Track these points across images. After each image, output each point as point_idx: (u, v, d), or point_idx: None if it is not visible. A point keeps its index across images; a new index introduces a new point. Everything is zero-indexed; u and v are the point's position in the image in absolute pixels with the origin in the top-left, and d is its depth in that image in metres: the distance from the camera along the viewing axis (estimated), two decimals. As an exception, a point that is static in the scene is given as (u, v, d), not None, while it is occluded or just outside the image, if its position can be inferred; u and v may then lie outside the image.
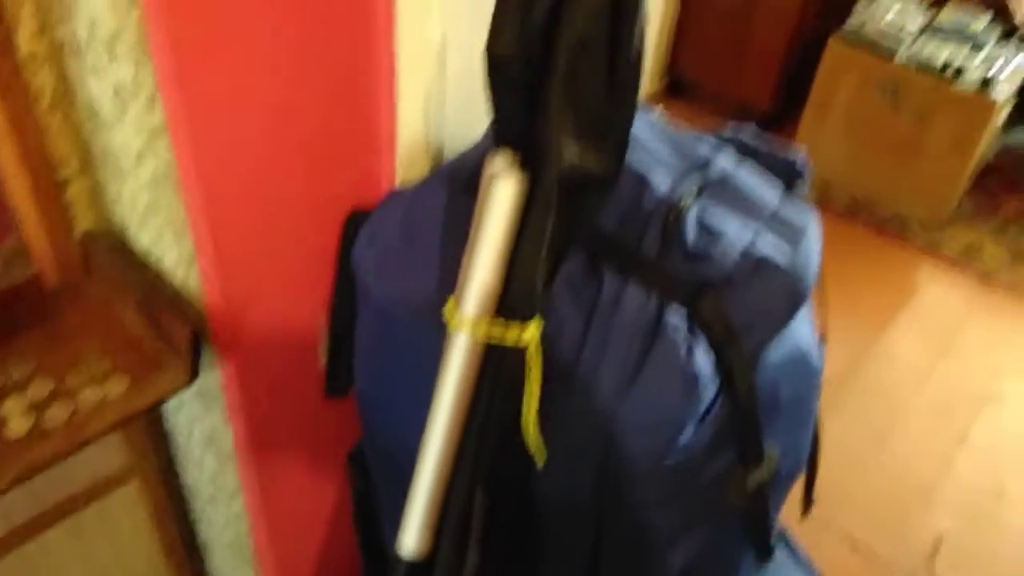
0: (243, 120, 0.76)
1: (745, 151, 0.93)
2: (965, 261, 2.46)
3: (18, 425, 0.82)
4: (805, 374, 0.89)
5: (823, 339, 0.94)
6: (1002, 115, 2.47)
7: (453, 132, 0.96)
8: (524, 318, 0.68)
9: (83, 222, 0.95)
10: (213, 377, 0.96)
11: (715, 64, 2.83)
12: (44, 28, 0.82)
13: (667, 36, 2.89)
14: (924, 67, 2.40)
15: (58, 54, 0.83)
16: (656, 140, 0.88)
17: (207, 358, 0.94)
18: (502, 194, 0.66)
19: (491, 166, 0.68)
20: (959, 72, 2.37)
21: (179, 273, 0.89)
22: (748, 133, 0.96)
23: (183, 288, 0.89)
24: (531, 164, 0.67)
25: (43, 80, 0.85)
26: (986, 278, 2.42)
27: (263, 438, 1.00)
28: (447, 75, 0.91)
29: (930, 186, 2.52)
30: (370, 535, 1.15)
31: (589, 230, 0.77)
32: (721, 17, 2.75)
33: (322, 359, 0.98)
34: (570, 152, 0.64)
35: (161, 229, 0.87)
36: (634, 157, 0.84)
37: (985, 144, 2.47)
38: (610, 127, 0.65)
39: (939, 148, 2.45)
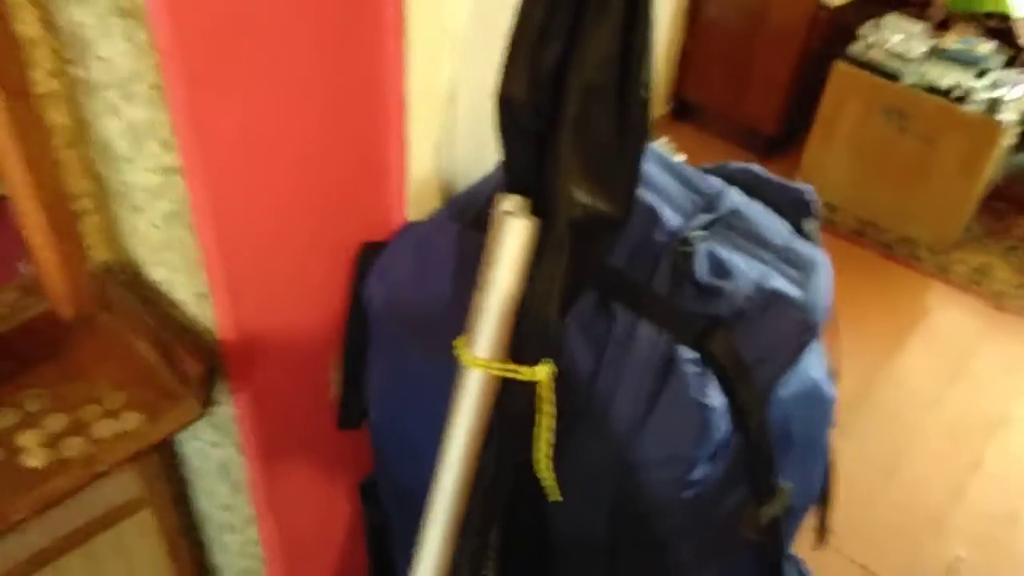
0: (256, 160, 0.77)
1: (754, 184, 0.94)
2: (975, 284, 2.46)
3: (34, 458, 0.82)
4: (817, 408, 0.89)
5: (836, 372, 0.94)
6: (1010, 137, 2.47)
7: (463, 167, 0.97)
8: (536, 359, 0.68)
9: (98, 254, 0.96)
10: (226, 408, 0.96)
11: (721, 88, 2.85)
12: (60, 68, 0.83)
13: (673, 60, 2.91)
14: (930, 90, 2.41)
15: (74, 93, 0.85)
16: (666, 175, 0.89)
17: (221, 389, 0.94)
18: (513, 235, 0.66)
19: (502, 207, 0.69)
20: (966, 95, 2.38)
21: (193, 306, 0.89)
22: (756, 166, 0.96)
23: (197, 321, 0.90)
24: (542, 205, 0.67)
25: (59, 117, 0.86)
26: (996, 301, 2.41)
27: (276, 468, 1.01)
28: (457, 112, 0.92)
29: (938, 209, 2.52)
30: (383, 565, 1.15)
31: (601, 269, 0.78)
32: (726, 41, 2.77)
33: (335, 391, 0.98)
34: (581, 195, 0.64)
35: (175, 263, 0.88)
36: (644, 193, 0.85)
37: (993, 166, 2.47)
38: (620, 169, 0.66)
39: (946, 170, 2.45)
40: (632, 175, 0.67)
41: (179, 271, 0.88)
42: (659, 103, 2.98)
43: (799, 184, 0.94)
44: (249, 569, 1.20)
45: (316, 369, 0.97)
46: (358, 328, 0.91)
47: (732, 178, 0.94)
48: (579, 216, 0.65)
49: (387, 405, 0.92)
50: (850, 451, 1.96)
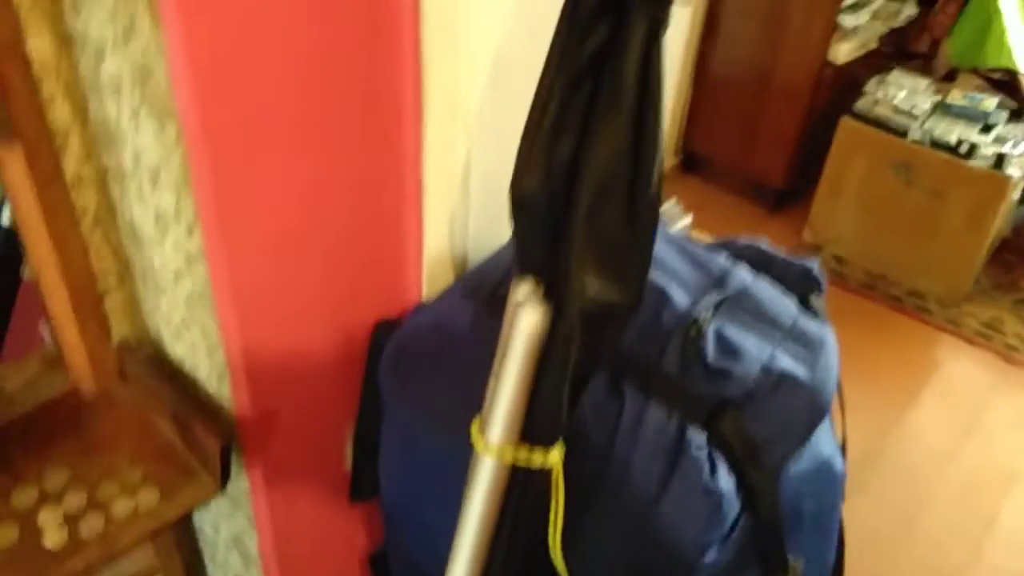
0: (277, 245, 0.79)
1: (760, 259, 0.96)
2: (986, 337, 2.45)
3: (53, 538, 0.83)
4: (828, 484, 0.89)
5: (844, 446, 0.94)
6: (1017, 191, 2.49)
7: (476, 242, 0.99)
8: (548, 444, 0.69)
9: (120, 329, 0.98)
10: (241, 482, 0.97)
11: (728, 141, 2.88)
12: (91, 154, 0.86)
13: (681, 113, 2.95)
14: (937, 145, 2.44)
15: (103, 178, 0.88)
16: (675, 255, 0.91)
17: (236, 463, 0.95)
18: (526, 325, 0.68)
19: (516, 294, 0.70)
20: (972, 149, 2.41)
21: (212, 384, 0.91)
22: (763, 241, 0.98)
23: (215, 398, 0.92)
24: (554, 293, 0.69)
25: (87, 200, 0.89)
26: (1008, 354, 2.40)
27: (288, 542, 1.01)
28: (471, 193, 0.94)
29: (947, 262, 2.52)
30: (392, 637, 1.15)
31: (613, 353, 0.79)
32: (734, 96, 2.81)
33: (349, 464, 0.99)
34: (592, 287, 0.66)
35: (195, 342, 0.90)
36: (653, 273, 0.86)
37: (1000, 220, 2.49)
38: (632, 260, 0.67)
39: (954, 224, 2.47)
40: (643, 266, 0.68)
41: (199, 349, 0.90)
42: (668, 156, 3.02)
43: (805, 259, 0.96)
44: (260, 639, 1.20)
45: (330, 444, 0.99)
46: (372, 405, 0.93)
47: (739, 254, 0.96)
48: (590, 307, 0.67)
49: (400, 482, 0.93)
50: (867, 508, 1.94)
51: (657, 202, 0.67)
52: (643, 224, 0.67)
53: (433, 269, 0.96)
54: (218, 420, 0.91)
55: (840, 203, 2.65)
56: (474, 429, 0.72)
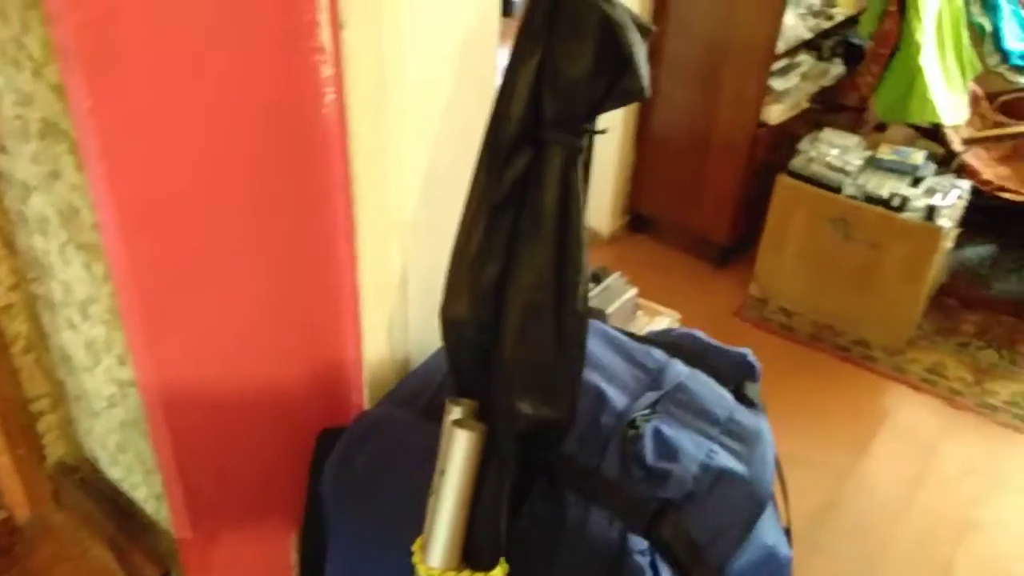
0: (210, 371, 0.79)
1: (696, 350, 0.98)
2: (930, 383, 2.52)
3: None
4: (774, 572, 0.90)
5: (789, 531, 0.96)
6: (949, 240, 2.58)
7: (418, 346, 1.00)
8: (491, 564, 0.69)
9: (55, 451, 0.97)
10: (184, 602, 0.95)
11: (673, 200, 2.96)
12: (20, 283, 0.86)
13: (626, 175, 3.02)
14: (870, 199, 2.53)
15: (33, 305, 0.87)
16: (611, 354, 0.92)
17: (178, 583, 0.94)
18: (461, 446, 0.69)
19: (450, 416, 0.71)
20: (904, 203, 2.50)
21: (150, 506, 0.90)
22: (698, 332, 1.01)
23: (154, 520, 0.90)
24: (488, 413, 0.70)
25: (19, 327, 0.88)
26: (952, 398, 2.46)
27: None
28: (409, 298, 0.95)
29: (888, 311, 2.60)
30: None
31: (549, 465, 0.80)
32: (675, 156, 2.89)
33: (295, 574, 0.98)
34: (524, 407, 0.67)
35: (131, 465, 0.88)
36: (590, 374, 0.88)
37: (936, 267, 2.57)
38: (561, 379, 0.69)
39: (892, 275, 2.55)
40: (572, 384, 0.70)
41: (136, 472, 0.88)
42: (615, 216, 3.07)
43: (739, 349, 0.98)
44: None
45: (275, 556, 0.97)
46: (317, 514, 0.92)
47: (675, 345, 0.98)
48: (523, 426, 0.68)
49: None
50: (823, 566, 1.95)
51: (584, 320, 0.69)
52: (570, 343, 0.68)
53: (375, 373, 0.96)
54: (157, 544, 0.89)
55: (783, 258, 2.72)
56: (416, 549, 0.72)
